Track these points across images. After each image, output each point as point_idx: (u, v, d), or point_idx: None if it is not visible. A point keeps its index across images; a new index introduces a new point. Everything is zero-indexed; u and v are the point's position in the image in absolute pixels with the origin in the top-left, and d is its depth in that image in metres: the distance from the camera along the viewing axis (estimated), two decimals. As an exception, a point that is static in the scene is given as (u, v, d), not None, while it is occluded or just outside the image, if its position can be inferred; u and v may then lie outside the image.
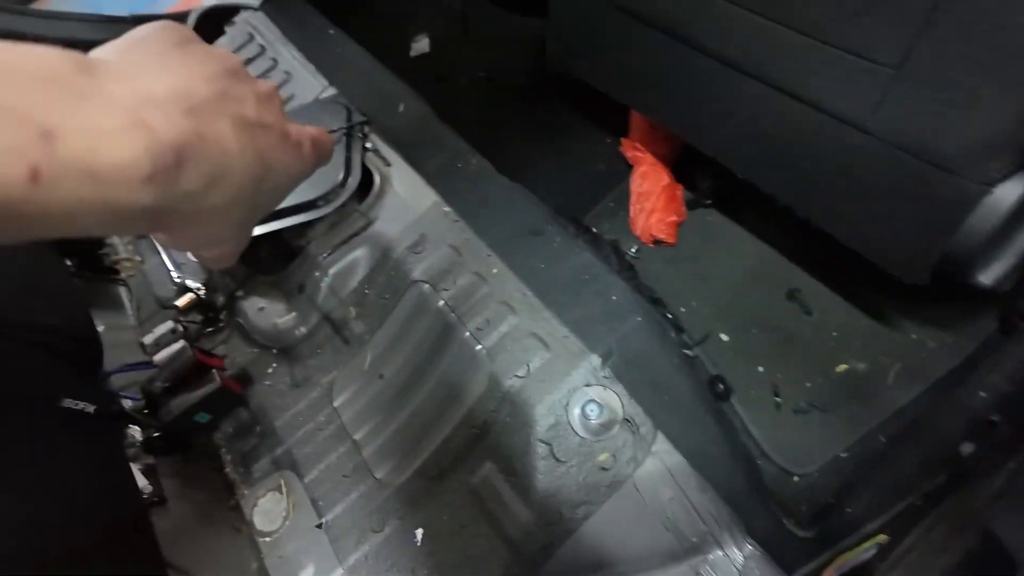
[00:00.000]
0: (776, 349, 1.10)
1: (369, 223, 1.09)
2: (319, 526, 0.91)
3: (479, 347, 0.89)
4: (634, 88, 1.11)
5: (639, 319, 0.85)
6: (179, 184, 0.29)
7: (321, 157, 0.44)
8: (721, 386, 1.07)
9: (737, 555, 0.81)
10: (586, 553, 0.80)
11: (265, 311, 1.12)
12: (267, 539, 0.92)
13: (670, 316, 1.16)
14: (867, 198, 0.76)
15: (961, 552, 0.74)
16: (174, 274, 1.19)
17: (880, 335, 1.04)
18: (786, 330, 1.11)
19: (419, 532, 0.86)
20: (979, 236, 0.66)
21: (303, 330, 1.09)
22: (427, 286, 0.98)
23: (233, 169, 0.32)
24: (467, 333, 0.91)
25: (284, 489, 0.96)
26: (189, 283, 1.17)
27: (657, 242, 1.27)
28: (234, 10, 1.65)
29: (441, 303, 0.95)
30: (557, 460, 0.81)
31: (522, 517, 0.80)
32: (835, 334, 1.07)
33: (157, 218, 0.29)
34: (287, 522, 0.93)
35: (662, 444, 0.82)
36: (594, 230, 1.31)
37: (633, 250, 1.29)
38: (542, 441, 0.81)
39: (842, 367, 1.04)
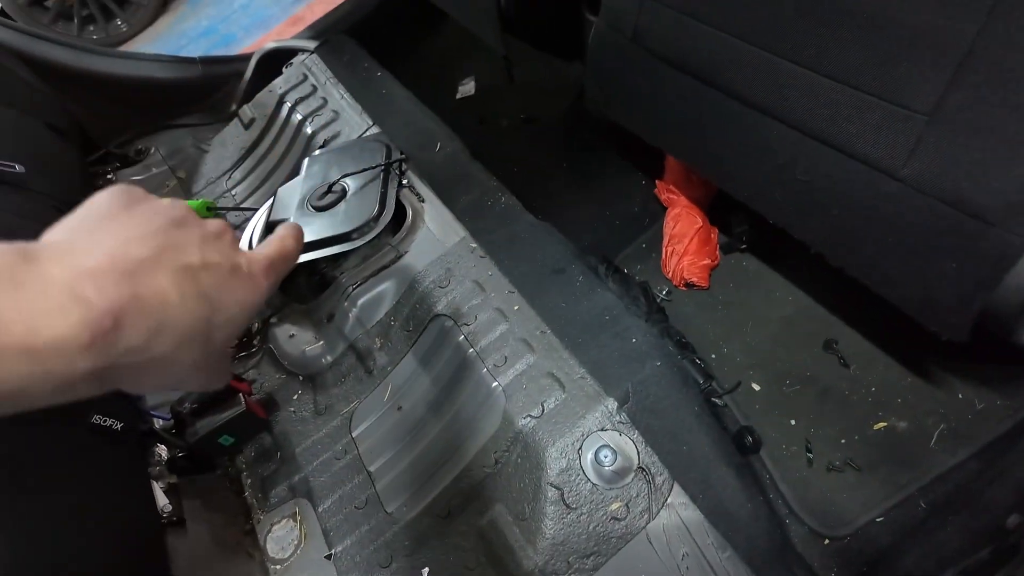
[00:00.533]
0: (810, 402, 1.04)
1: (399, 256, 1.11)
2: (328, 557, 0.90)
3: (495, 384, 0.89)
4: (666, 132, 1.10)
5: (658, 364, 0.83)
6: (119, 344, 0.31)
7: (280, 273, 0.45)
8: (750, 438, 1.02)
9: (756, 622, 0.76)
10: (594, 607, 0.77)
11: (295, 338, 1.15)
12: (278, 567, 0.92)
13: (700, 362, 1.12)
14: (901, 248, 0.73)
15: (1006, 637, 0.67)
16: (214, 299, 1.24)
17: (923, 392, 0.98)
18: (822, 382, 1.06)
19: (425, 572, 0.84)
20: (1021, 293, 0.62)
21: (329, 359, 1.11)
22: (449, 320, 0.98)
23: (175, 317, 0.34)
24: (484, 369, 0.91)
25: (298, 517, 0.96)
26: (227, 308, 1.21)
27: (689, 285, 1.24)
28: (292, 53, 1.75)
29: (461, 338, 0.95)
30: (568, 506, 0.78)
31: (528, 565, 0.77)
32: (874, 389, 1.01)
33: (105, 376, 0.31)
34: (298, 551, 0.93)
35: (679, 497, 0.78)
36: (625, 271, 1.30)
37: (664, 292, 1.27)
38: (553, 486, 0.79)
39: (881, 424, 0.98)
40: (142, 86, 1.92)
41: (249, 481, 1.03)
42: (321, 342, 1.13)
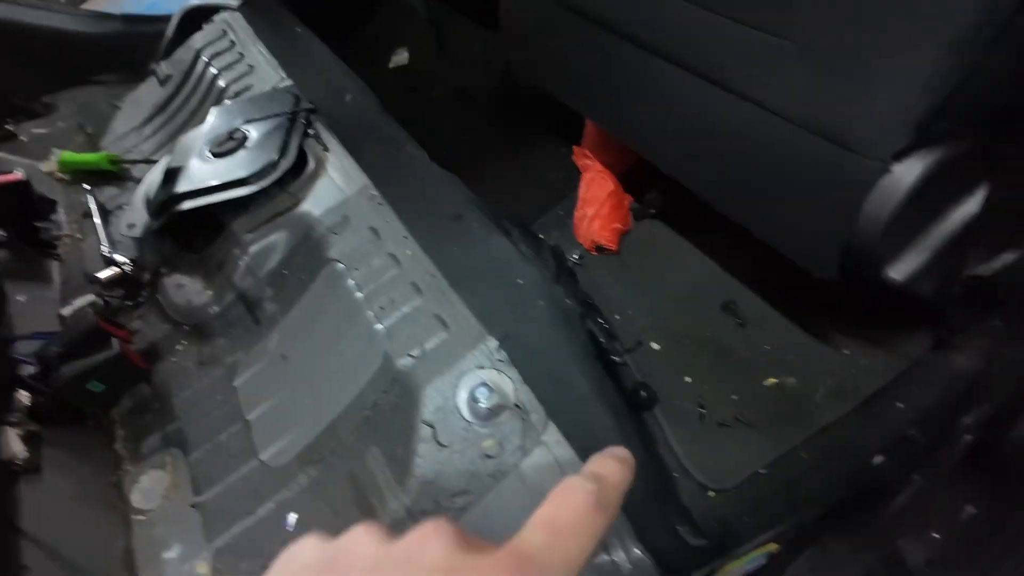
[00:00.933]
0: (706, 360, 1.05)
1: (296, 203, 1.06)
2: (193, 505, 0.85)
3: (379, 326, 0.86)
4: (579, 88, 1.10)
5: (541, 303, 0.82)
6: None
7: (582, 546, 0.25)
8: (644, 394, 1.02)
9: (624, 560, 0.74)
10: (463, 548, 0.74)
11: (184, 288, 1.09)
12: (141, 517, 0.87)
13: (603, 322, 1.12)
14: (778, 187, 0.73)
15: (862, 569, 0.68)
16: (104, 249, 1.17)
17: (812, 351, 0.99)
18: (719, 342, 1.06)
19: (292, 517, 0.80)
20: (879, 221, 0.62)
21: (216, 308, 1.05)
22: (340, 265, 0.95)
23: None
24: (370, 313, 0.87)
25: (168, 467, 0.91)
26: (117, 258, 1.15)
27: (600, 249, 1.24)
28: (215, 9, 1.69)
29: (351, 283, 0.92)
30: (439, 444, 0.76)
31: (395, 505, 0.74)
32: (767, 348, 1.02)
33: None
34: (164, 501, 0.88)
35: (553, 435, 0.76)
36: (539, 236, 1.29)
37: (576, 256, 1.26)
38: (426, 423, 0.76)
39: (771, 381, 0.99)
40: (55, 39, 1.81)
41: (122, 432, 0.97)
42: (209, 292, 1.07)
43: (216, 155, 1.11)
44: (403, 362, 0.81)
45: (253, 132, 1.13)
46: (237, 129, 1.14)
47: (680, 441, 0.97)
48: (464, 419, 0.76)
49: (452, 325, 0.83)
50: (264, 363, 0.96)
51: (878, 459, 0.75)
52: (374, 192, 1.03)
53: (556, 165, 1.43)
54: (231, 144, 1.11)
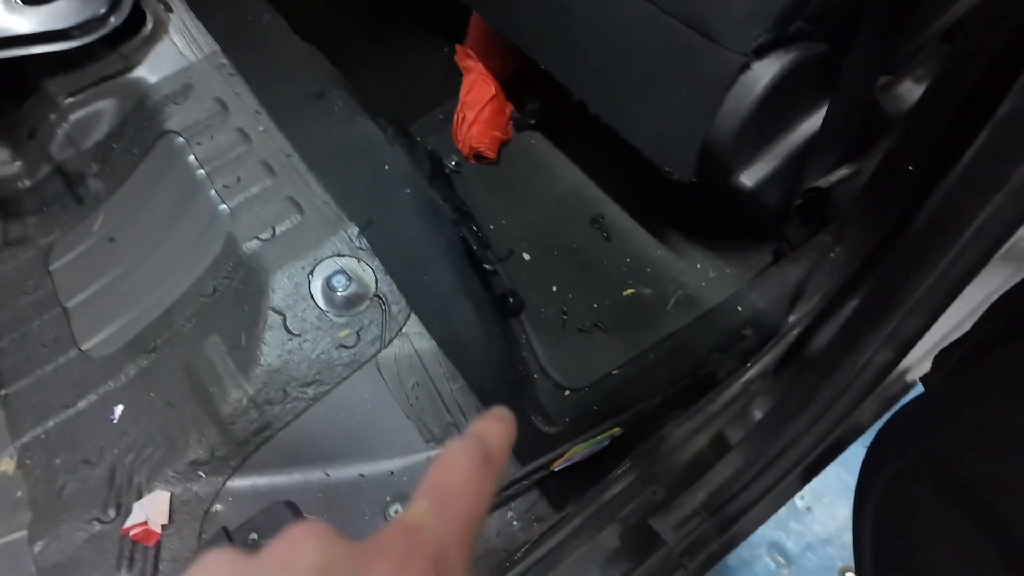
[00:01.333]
0: (573, 271, 1.07)
1: (129, 67, 0.92)
2: (-5, 399, 0.75)
3: (223, 206, 0.77)
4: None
5: (408, 192, 0.78)
6: None
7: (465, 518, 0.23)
8: (512, 300, 1.02)
9: (477, 449, 0.76)
10: (313, 438, 0.72)
11: (-18, 156, 0.92)
12: (-76, 414, 0.74)
13: (477, 230, 1.10)
14: (644, 80, 0.73)
15: (694, 450, 0.74)
16: None
17: (668, 263, 1.05)
18: (585, 254, 1.09)
19: (118, 409, 0.73)
20: (736, 117, 0.65)
21: (27, 182, 0.90)
22: (180, 138, 0.83)
23: None
24: (212, 191, 0.79)
25: (-39, 358, 0.78)
26: None
27: (478, 157, 1.20)
28: None
29: (191, 157, 0.82)
30: (289, 332, 0.71)
31: (237, 394, 0.69)
32: (629, 260, 1.07)
33: None
34: (-44, 396, 0.76)
35: (414, 326, 0.75)
36: (417, 138, 1.22)
37: (453, 163, 1.22)
38: (275, 311, 0.71)
39: (629, 291, 1.03)
40: None
41: (-102, 319, 0.82)
42: (19, 163, 0.91)
43: (28, 1, 0.92)
44: (250, 245, 0.74)
45: (75, -22, 0.95)
46: (53, -29, 0.94)
47: (542, 345, 1.00)
48: (318, 307, 0.72)
49: (308, 209, 0.76)
50: (87, 245, 0.84)
51: (714, 355, 0.82)
52: (223, 60, 0.91)
53: (437, 66, 1.35)
54: (46, -12, 0.93)
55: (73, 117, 0.90)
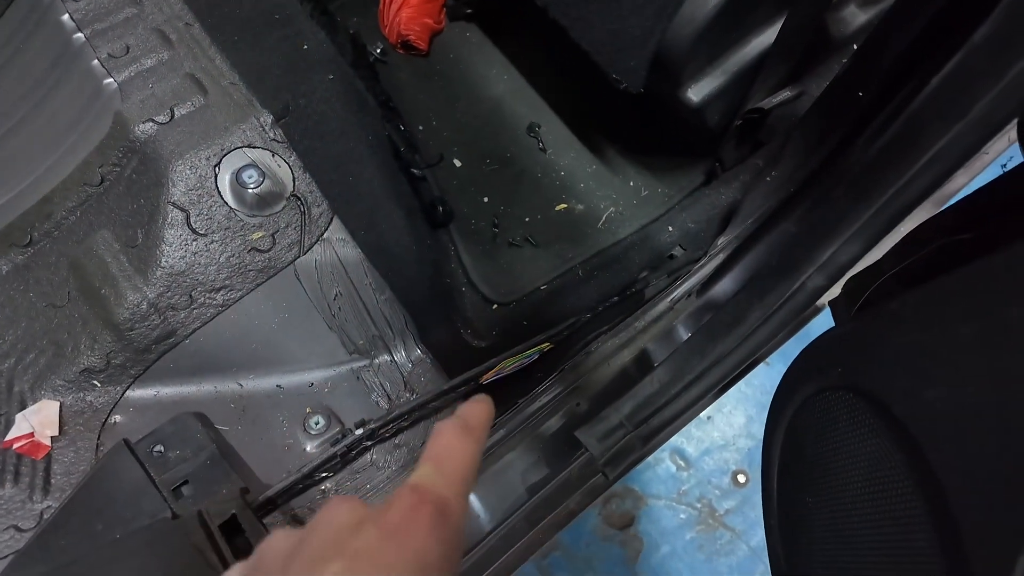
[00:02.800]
0: (505, 182, 1.03)
1: None
2: None
3: (108, 81, 0.66)
4: None
5: (331, 78, 0.69)
6: None
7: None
8: (441, 209, 0.98)
9: (404, 360, 0.74)
10: (224, 347, 0.67)
11: None
12: None
13: (404, 130, 1.02)
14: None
15: (617, 367, 0.76)
16: None
17: (602, 179, 1.03)
18: (519, 165, 1.05)
19: (-11, 310, 0.64)
20: (694, 24, 0.62)
21: None
22: (48, -9, 0.69)
23: None
24: (95, 61, 0.66)
25: None
26: None
27: (407, 46, 1.10)
28: None
29: (65, 16, 0.68)
30: (195, 232, 0.63)
31: (135, 297, 0.62)
32: (563, 174, 1.04)
33: None
34: None
35: (337, 232, 0.69)
36: (336, 18, 1.09)
37: (378, 51, 1.11)
38: (176, 206, 0.63)
39: (561, 206, 1.01)
40: None
41: None
42: None
43: None
44: (143, 128, 0.64)
45: None
46: None
47: (471, 257, 0.97)
48: (227, 205, 0.64)
49: (212, 90, 0.67)
50: (-69, 116, 0.70)
51: (643, 274, 0.82)
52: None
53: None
54: None
55: (-101, -51, 0.72)
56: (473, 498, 0.64)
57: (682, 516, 1.15)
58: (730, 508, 1.15)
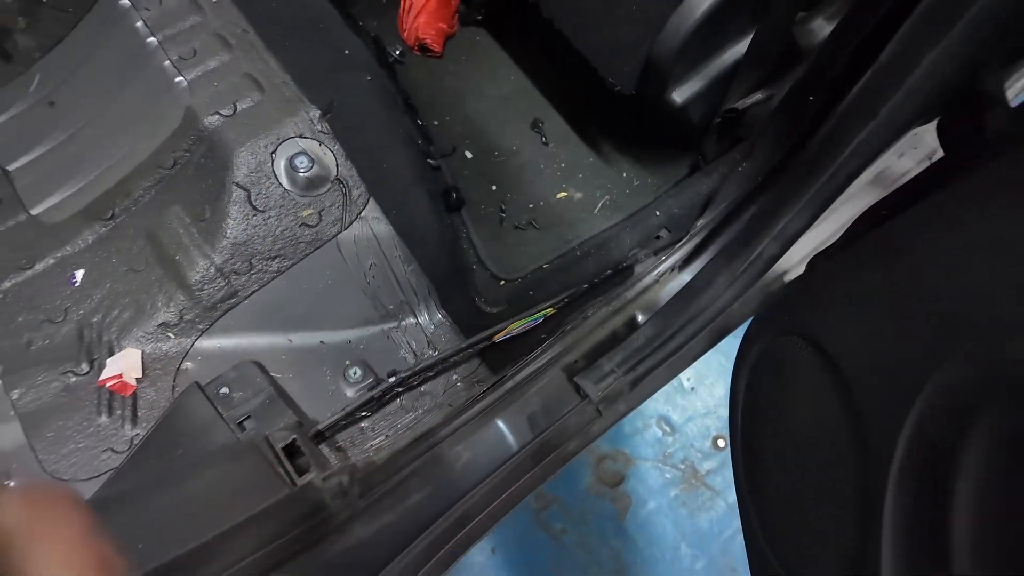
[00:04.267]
0: (511, 172, 1.15)
1: (53, -88, 0.85)
2: (-60, 259, 0.74)
3: (179, 79, 0.77)
4: None
5: (368, 79, 0.81)
6: None
7: None
8: (454, 196, 1.09)
9: (428, 324, 0.86)
10: (278, 306, 0.78)
11: None
12: None
13: (421, 124, 1.14)
14: (599, -2, 0.79)
15: (609, 330, 0.88)
16: None
17: (599, 170, 1.15)
18: (524, 156, 1.16)
19: (79, 273, 0.75)
20: (678, 36, 0.73)
21: (-59, 31, 0.84)
22: (124, 1, 0.80)
23: None
24: (167, 62, 0.78)
25: None
26: None
27: (423, 49, 1.21)
28: None
29: (139, 23, 0.79)
30: (255, 208, 0.75)
31: (203, 264, 0.74)
32: (563, 165, 1.16)
33: None
34: None
35: (372, 211, 0.81)
36: (359, 22, 1.20)
37: (397, 52, 1.23)
38: (239, 186, 0.74)
39: (562, 194, 1.13)
40: None
41: None
42: (-72, 7, 0.84)
43: None
44: (211, 120, 0.75)
45: None
46: None
47: (481, 239, 1.08)
48: (282, 186, 0.76)
49: (268, 88, 0.78)
50: (25, 106, 0.81)
51: (633, 251, 0.94)
52: (166, -80, 0.86)
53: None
54: None
55: (-8, -37, 0.83)
56: (502, 425, 0.76)
57: (667, 476, 1.27)
58: (710, 469, 1.28)
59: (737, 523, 1.28)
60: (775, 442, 0.63)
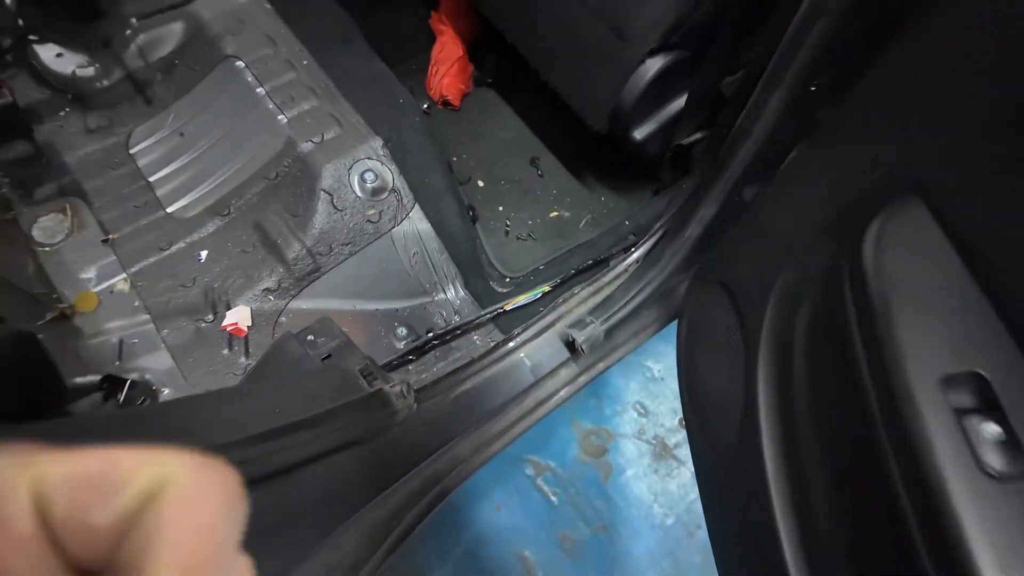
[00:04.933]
0: (514, 196, 1.46)
1: (189, 1, 1.17)
2: (105, 241, 1.02)
3: (281, 117, 1.08)
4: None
5: (417, 119, 1.12)
6: None
7: None
8: (471, 213, 1.39)
9: (455, 299, 1.14)
10: (348, 280, 1.06)
11: (64, 58, 1.14)
12: (46, 249, 1.01)
13: (442, 155, 1.45)
14: (579, 61, 1.12)
15: (591, 304, 1.16)
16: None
17: (582, 195, 1.46)
18: (524, 184, 1.47)
19: (203, 253, 1.03)
20: (634, 94, 1.05)
21: (105, 83, 1.14)
22: (240, 62, 1.12)
23: None
24: (272, 105, 1.09)
25: (69, 211, 1.04)
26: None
27: (445, 104, 1.54)
28: None
29: (251, 78, 1.11)
30: (335, 207, 1.04)
31: (297, 246, 1.02)
32: (555, 191, 1.47)
33: None
34: (69, 238, 1.02)
35: (417, 213, 1.10)
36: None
37: (424, 107, 1.55)
38: (325, 191, 1.04)
39: (554, 213, 1.43)
40: None
41: (7, 180, 1.05)
42: (95, 66, 1.15)
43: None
44: (305, 146, 1.06)
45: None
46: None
47: (491, 246, 1.38)
48: (355, 193, 1.05)
49: (345, 124, 1.09)
50: (161, 135, 1.11)
51: (609, 250, 1.24)
52: (268, 5, 1.19)
53: (409, 25, 1.66)
54: (113, -77, 1.15)
55: (143, 35, 1.15)
56: (524, 357, 1.02)
57: (642, 449, 1.52)
58: (677, 443, 1.53)
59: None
60: (701, 348, 0.91)
